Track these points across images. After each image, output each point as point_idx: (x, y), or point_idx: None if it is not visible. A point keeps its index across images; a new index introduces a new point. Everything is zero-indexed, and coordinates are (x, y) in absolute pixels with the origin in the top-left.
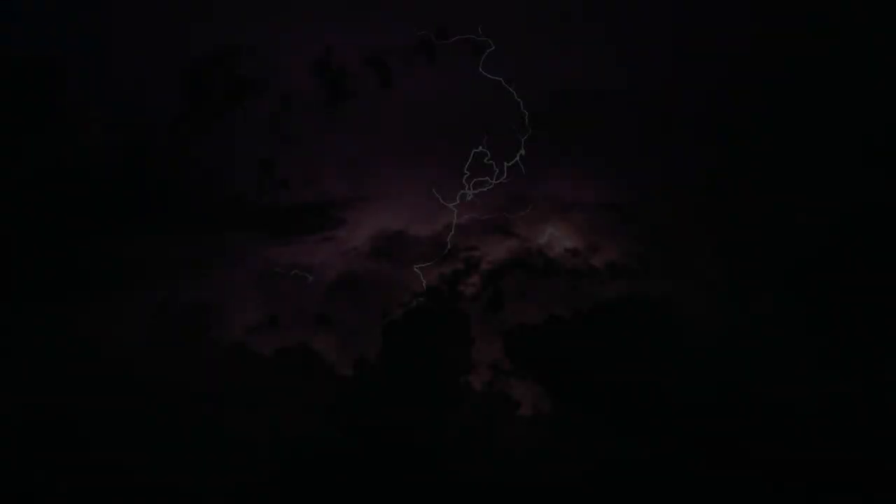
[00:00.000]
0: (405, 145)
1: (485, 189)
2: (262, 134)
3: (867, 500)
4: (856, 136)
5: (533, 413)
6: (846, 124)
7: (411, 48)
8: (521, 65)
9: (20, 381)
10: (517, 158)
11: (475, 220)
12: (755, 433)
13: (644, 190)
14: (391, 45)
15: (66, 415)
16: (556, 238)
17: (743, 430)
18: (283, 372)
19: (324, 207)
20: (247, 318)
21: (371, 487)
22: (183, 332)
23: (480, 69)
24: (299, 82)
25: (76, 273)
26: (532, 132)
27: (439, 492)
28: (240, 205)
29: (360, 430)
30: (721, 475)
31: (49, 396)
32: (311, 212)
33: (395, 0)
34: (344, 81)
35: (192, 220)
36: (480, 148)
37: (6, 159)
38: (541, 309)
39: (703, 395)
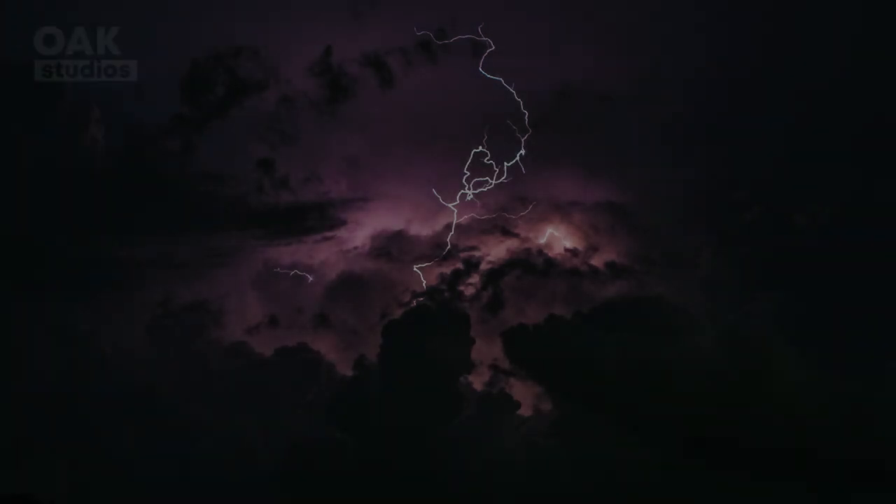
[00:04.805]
0: (405, 145)
1: (485, 189)
2: (262, 134)
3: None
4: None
5: (533, 413)
6: (842, 124)
7: (411, 48)
8: (522, 65)
9: (21, 381)
10: (517, 158)
11: (475, 220)
12: (754, 432)
13: (644, 190)
14: (391, 45)
15: (66, 414)
16: (556, 238)
17: (742, 430)
18: (283, 372)
19: (324, 207)
20: (247, 318)
21: (370, 486)
22: (183, 331)
23: (480, 69)
24: (299, 82)
25: (77, 273)
26: (532, 132)
27: (439, 491)
28: (240, 205)
29: (360, 429)
30: (720, 474)
31: (50, 396)
32: (311, 212)
33: (395, 0)
34: (344, 81)
35: (191, 221)
36: (480, 148)
37: (6, 159)
38: (541, 309)
39: (703, 393)
